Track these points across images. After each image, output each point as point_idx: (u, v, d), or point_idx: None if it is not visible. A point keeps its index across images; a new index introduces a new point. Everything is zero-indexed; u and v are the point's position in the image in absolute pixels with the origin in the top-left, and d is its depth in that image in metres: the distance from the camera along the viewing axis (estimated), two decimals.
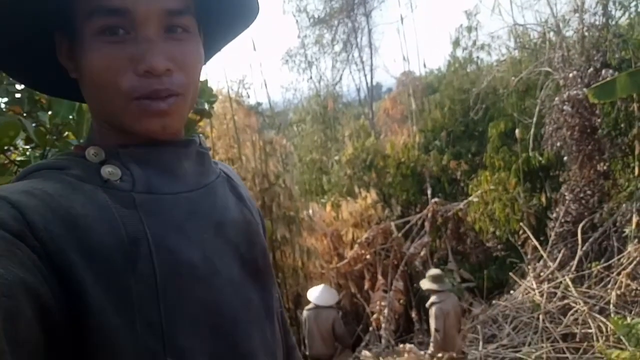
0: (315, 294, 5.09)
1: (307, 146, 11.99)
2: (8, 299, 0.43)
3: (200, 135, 0.75)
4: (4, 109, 1.51)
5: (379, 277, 6.91)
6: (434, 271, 4.72)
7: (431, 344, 4.52)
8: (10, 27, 0.61)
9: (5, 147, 1.33)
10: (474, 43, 10.17)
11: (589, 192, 6.11)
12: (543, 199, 6.84)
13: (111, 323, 0.52)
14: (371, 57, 15.23)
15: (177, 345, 0.57)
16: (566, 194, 6.20)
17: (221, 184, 0.73)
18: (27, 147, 1.53)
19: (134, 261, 0.56)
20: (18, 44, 0.64)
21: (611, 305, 4.87)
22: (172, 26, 0.61)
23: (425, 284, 4.58)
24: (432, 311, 4.41)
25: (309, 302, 5.18)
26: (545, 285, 5.62)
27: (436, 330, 4.37)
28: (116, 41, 0.59)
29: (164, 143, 0.65)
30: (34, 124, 1.43)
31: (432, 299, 4.46)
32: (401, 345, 5.04)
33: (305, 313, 5.11)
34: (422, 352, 4.70)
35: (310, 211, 7.93)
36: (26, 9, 0.59)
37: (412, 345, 4.93)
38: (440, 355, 4.40)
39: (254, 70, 17.14)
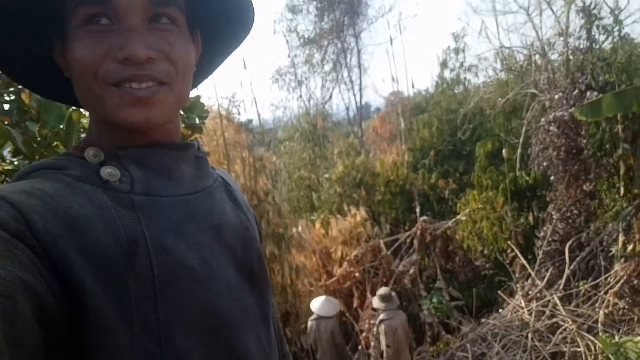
0: (318, 304, 5.28)
1: (296, 164, 12.00)
2: (7, 300, 0.43)
3: (199, 140, 0.74)
4: None
5: (368, 295, 6.87)
6: (383, 290, 4.94)
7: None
8: (7, 28, 0.61)
9: None
10: (462, 65, 10.32)
11: (575, 211, 6.16)
12: (531, 219, 6.87)
13: (110, 323, 0.52)
14: (360, 77, 15.44)
15: (174, 347, 0.56)
16: (553, 213, 6.25)
17: (218, 188, 0.73)
18: (15, 159, 1.52)
19: (133, 262, 0.56)
20: (17, 47, 0.65)
21: (599, 324, 4.87)
22: (157, 16, 0.61)
23: (375, 303, 4.83)
24: (382, 328, 4.65)
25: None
26: (534, 304, 5.61)
27: (387, 346, 4.59)
28: (99, 31, 0.59)
29: (162, 146, 0.65)
30: (22, 134, 1.42)
31: (381, 316, 4.71)
32: None
33: (309, 323, 5.37)
34: None
35: (300, 229, 7.90)
36: (19, 9, 0.59)
37: None
38: None
39: (245, 88, 17.27)
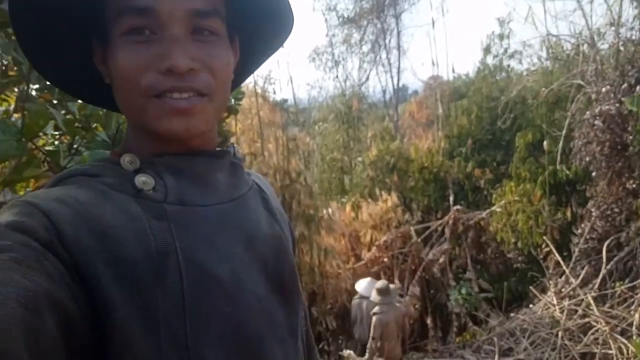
0: (362, 285, 5.61)
1: (329, 145, 11.96)
2: (31, 312, 0.42)
3: (235, 145, 0.73)
4: (35, 96, 1.51)
5: (396, 281, 6.86)
6: (380, 284, 5.08)
7: (367, 350, 4.89)
8: (50, 34, 0.62)
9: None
10: (505, 51, 9.97)
11: (616, 209, 5.94)
12: (568, 214, 6.68)
13: (136, 337, 0.52)
14: (399, 59, 15.12)
15: None
16: (593, 210, 6.04)
17: (253, 196, 0.72)
18: (57, 133, 1.53)
19: (162, 274, 0.55)
20: (58, 52, 0.65)
21: (634, 327, 4.72)
22: (199, 28, 0.60)
23: (372, 295, 4.96)
24: (373, 321, 4.80)
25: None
26: (566, 302, 5.49)
27: (372, 338, 4.76)
28: (142, 41, 0.59)
29: (199, 153, 0.65)
30: (63, 112, 1.43)
31: (375, 309, 4.84)
32: (346, 352, 5.39)
33: (353, 301, 5.74)
34: (359, 359, 5.10)
35: (330, 210, 7.90)
36: (60, 13, 0.60)
37: (350, 352, 5.28)
38: None
39: (281, 66, 17.20)
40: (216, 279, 0.59)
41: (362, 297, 5.48)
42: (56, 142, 1.39)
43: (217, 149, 0.71)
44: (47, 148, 1.34)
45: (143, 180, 0.60)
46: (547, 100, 7.43)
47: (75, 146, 1.40)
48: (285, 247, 0.72)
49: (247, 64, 0.76)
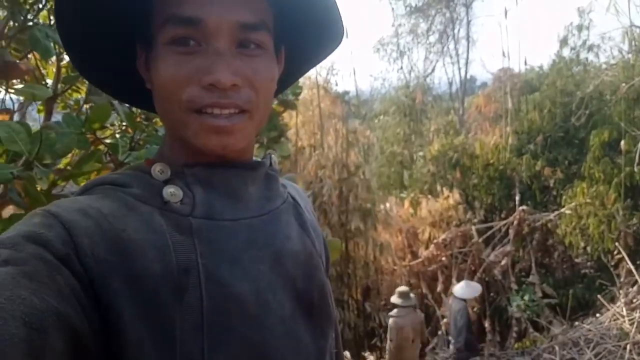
0: (458, 286, 5.68)
1: (389, 138, 11.79)
2: (36, 332, 0.41)
3: (272, 155, 0.71)
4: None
5: (454, 281, 6.70)
6: (402, 288, 5.27)
7: (387, 352, 5.15)
8: (94, 39, 0.63)
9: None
10: (584, 43, 9.38)
11: None
12: None
13: (150, 356, 0.50)
14: (467, 50, 14.65)
15: None
16: None
17: (286, 209, 0.69)
18: (124, 124, 1.58)
19: (182, 292, 0.53)
20: (102, 56, 0.65)
21: None
22: (245, 41, 0.58)
23: (393, 298, 5.19)
24: (389, 323, 5.06)
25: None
26: (637, 314, 5.17)
27: (390, 340, 5.00)
28: (186, 52, 0.57)
29: (232, 165, 0.62)
30: (127, 105, 1.47)
31: (393, 312, 5.06)
32: (367, 353, 5.58)
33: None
34: None
35: (387, 205, 7.80)
36: (105, 18, 0.60)
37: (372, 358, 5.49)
38: None
39: (344, 57, 17.10)
40: (238, 298, 0.56)
41: (455, 297, 5.49)
42: (117, 135, 1.43)
43: (255, 158, 0.69)
44: (107, 141, 1.37)
45: (171, 192, 0.58)
46: (627, 96, 6.95)
47: (137, 138, 1.43)
48: (316, 264, 0.69)
49: (291, 72, 0.73)
